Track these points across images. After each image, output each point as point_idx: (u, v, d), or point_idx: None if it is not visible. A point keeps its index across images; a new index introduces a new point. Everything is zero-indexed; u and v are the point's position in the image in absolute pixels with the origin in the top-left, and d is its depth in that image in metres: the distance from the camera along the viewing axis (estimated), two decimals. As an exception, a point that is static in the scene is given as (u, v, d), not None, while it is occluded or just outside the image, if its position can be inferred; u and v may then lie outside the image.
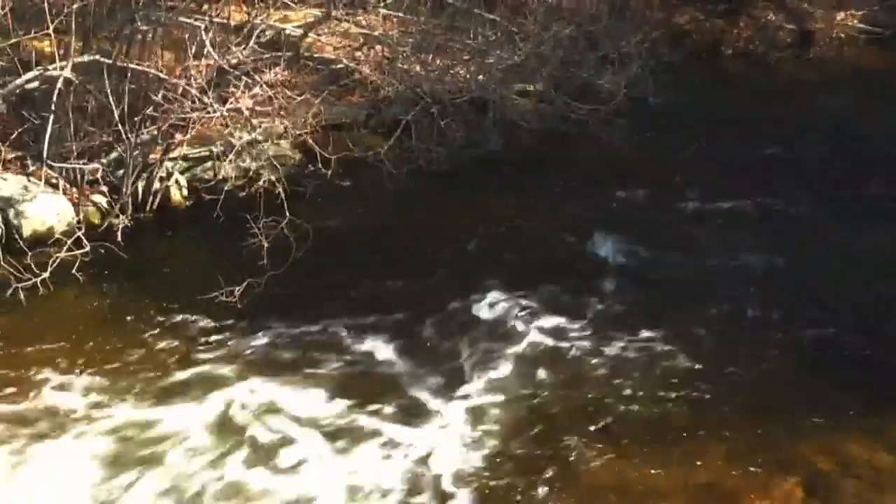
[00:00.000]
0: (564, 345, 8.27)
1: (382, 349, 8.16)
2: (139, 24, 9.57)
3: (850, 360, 8.14)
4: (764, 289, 9.09)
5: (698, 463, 7.00)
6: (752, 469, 6.93)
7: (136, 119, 9.55)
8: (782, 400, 7.66)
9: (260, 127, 9.15)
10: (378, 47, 11.72)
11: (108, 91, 9.25)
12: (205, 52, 9.37)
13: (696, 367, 8.01)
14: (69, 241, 8.64)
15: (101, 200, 9.65)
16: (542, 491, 6.75)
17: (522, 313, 8.66)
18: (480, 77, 11.41)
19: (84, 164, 9.45)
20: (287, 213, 8.56)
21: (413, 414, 7.44)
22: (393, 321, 8.49)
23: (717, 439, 7.22)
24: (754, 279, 9.25)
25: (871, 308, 8.83)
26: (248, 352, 8.05)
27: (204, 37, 9.24)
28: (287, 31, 11.54)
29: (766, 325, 8.56)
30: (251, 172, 9.53)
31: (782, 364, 8.10)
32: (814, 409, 7.53)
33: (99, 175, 9.55)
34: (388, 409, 7.47)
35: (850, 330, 8.51)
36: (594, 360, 8.09)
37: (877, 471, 6.96)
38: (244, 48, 9.83)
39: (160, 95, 9.19)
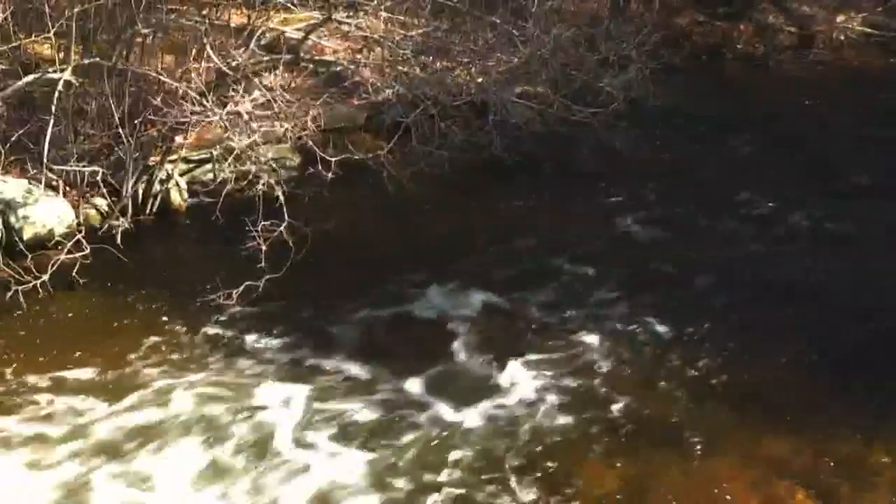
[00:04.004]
0: (564, 347, 8.26)
1: (382, 352, 8.16)
2: (139, 27, 9.58)
3: (850, 361, 8.13)
4: (764, 290, 9.09)
5: (698, 463, 7.00)
6: (751, 469, 6.93)
7: (136, 122, 9.58)
8: (782, 400, 7.66)
9: (259, 130, 9.15)
10: (378, 50, 11.71)
11: (109, 94, 9.27)
12: (205, 55, 9.38)
13: (697, 367, 8.01)
14: (69, 244, 8.66)
15: (102, 203, 9.67)
16: (539, 493, 6.76)
17: (523, 315, 8.67)
18: (481, 80, 11.39)
19: (84, 166, 9.48)
20: (286, 216, 8.57)
21: (412, 417, 7.44)
22: (393, 323, 8.49)
23: (717, 440, 7.22)
24: (755, 281, 9.25)
25: (871, 308, 8.82)
26: (247, 354, 8.05)
27: (204, 40, 9.25)
28: (287, 34, 11.55)
29: (767, 326, 8.55)
30: (251, 175, 9.53)
31: (782, 364, 8.09)
32: (814, 409, 7.53)
33: (99, 177, 9.55)
34: (387, 412, 7.48)
35: (850, 330, 8.51)
36: (594, 362, 8.08)
37: (877, 471, 6.96)
38: (244, 51, 9.84)
39: (160, 98, 9.21)
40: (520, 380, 7.87)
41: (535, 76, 11.82)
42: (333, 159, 9.54)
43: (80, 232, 8.84)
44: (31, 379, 7.65)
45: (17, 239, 9.01)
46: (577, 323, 8.57)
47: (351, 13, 11.34)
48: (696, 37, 15.38)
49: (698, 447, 7.15)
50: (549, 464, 6.99)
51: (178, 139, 9.84)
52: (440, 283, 9.05)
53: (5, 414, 7.28)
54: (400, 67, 11.34)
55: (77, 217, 9.41)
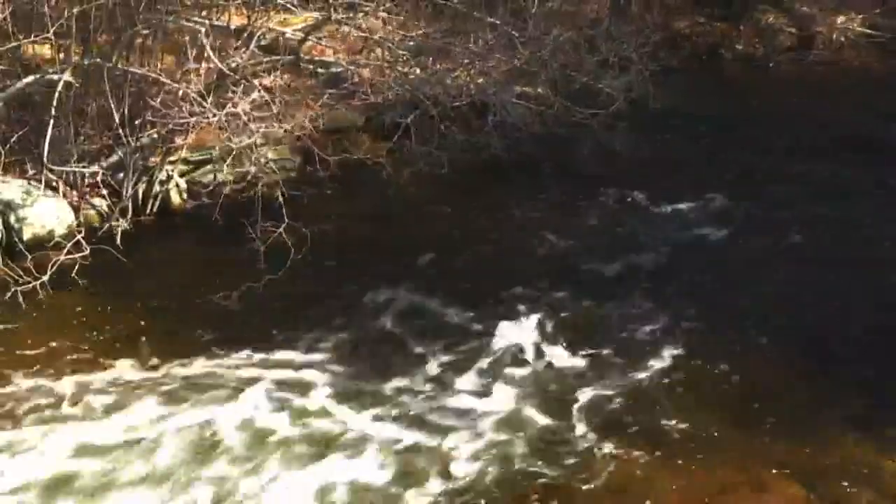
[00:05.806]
0: (565, 349, 8.26)
1: (381, 353, 8.16)
2: (139, 27, 9.60)
3: (850, 361, 8.13)
4: (765, 290, 9.09)
5: (698, 464, 7.00)
6: (751, 470, 6.93)
7: (136, 122, 9.59)
8: (783, 400, 7.65)
9: (259, 131, 9.17)
10: (378, 51, 11.72)
11: (109, 94, 9.28)
12: (205, 56, 9.39)
13: (697, 368, 8.01)
14: (69, 244, 8.66)
15: (102, 204, 9.68)
16: (531, 494, 6.78)
17: (522, 317, 8.66)
18: (480, 80, 11.41)
19: (84, 167, 9.50)
20: (285, 217, 8.57)
21: (412, 419, 7.45)
22: (392, 325, 8.49)
23: (717, 440, 7.21)
24: (755, 281, 9.25)
25: (872, 308, 8.83)
26: (246, 355, 8.05)
27: (204, 41, 9.26)
28: (287, 35, 11.57)
29: (767, 327, 8.55)
30: (250, 176, 9.55)
31: (783, 363, 8.09)
32: (814, 408, 7.53)
33: (99, 178, 9.58)
34: (386, 413, 7.48)
35: (850, 330, 8.52)
36: (592, 361, 8.08)
37: (877, 471, 6.96)
38: (244, 52, 9.85)
39: (159, 99, 9.22)
40: (518, 380, 7.87)
41: (535, 77, 11.83)
42: (333, 160, 9.56)
43: (79, 232, 8.85)
44: (31, 380, 7.65)
45: (16, 239, 9.02)
46: (577, 322, 8.57)
47: (351, 14, 11.34)
48: (695, 38, 15.41)
49: (697, 448, 7.15)
50: (542, 465, 7.00)
51: (178, 140, 9.85)
52: (440, 283, 9.06)
53: (5, 415, 7.29)
54: (400, 68, 11.35)
55: (77, 217, 9.42)
